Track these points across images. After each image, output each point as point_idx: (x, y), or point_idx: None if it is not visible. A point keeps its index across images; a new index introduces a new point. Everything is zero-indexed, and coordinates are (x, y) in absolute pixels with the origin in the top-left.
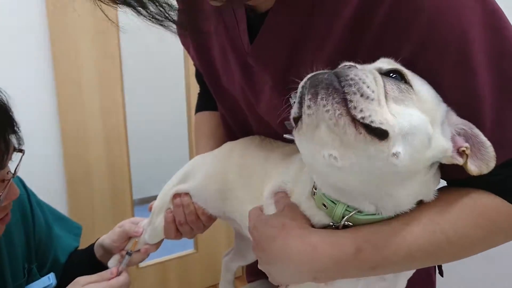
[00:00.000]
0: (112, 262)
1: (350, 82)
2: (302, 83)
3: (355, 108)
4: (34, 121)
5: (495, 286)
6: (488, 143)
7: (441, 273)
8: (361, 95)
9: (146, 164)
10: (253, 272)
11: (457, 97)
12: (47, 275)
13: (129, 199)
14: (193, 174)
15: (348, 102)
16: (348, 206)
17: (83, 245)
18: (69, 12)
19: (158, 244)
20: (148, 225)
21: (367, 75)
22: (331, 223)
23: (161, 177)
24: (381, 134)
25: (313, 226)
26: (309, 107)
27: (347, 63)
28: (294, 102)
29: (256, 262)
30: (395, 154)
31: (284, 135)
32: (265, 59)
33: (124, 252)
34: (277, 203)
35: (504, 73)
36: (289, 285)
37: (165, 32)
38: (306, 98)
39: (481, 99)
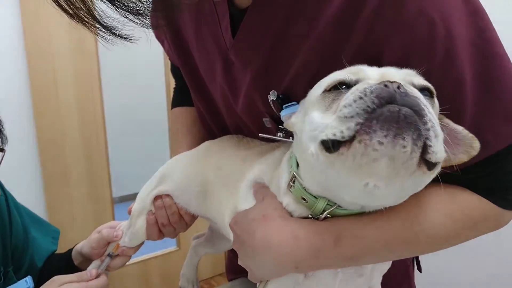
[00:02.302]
0: (92, 267)
1: (429, 124)
2: (361, 103)
3: (433, 152)
4: (8, 120)
5: (473, 281)
6: (459, 128)
7: (419, 269)
8: (435, 136)
9: (126, 161)
10: (234, 270)
11: (440, 96)
12: (24, 279)
13: (108, 197)
14: (171, 176)
15: (428, 147)
16: (329, 200)
17: (62, 246)
18: (43, 7)
19: (137, 247)
20: (128, 228)
21: (430, 107)
22: (310, 216)
23: (141, 175)
24: (434, 165)
25: (291, 215)
26: (381, 143)
27: (382, 78)
28: (273, 100)
29: (237, 259)
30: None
31: (260, 134)
32: (246, 55)
33: (103, 257)
34: (256, 193)
35: (485, 73)
36: (269, 281)
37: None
38: (378, 132)
39: (463, 98)
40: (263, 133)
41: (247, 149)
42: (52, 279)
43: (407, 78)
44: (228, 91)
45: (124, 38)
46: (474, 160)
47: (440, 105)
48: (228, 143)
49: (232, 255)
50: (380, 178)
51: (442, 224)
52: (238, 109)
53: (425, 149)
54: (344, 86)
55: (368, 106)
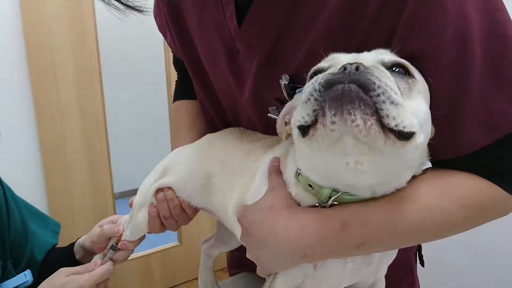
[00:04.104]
0: (95, 259)
1: (378, 90)
2: (312, 87)
3: (387, 116)
4: (9, 115)
5: (476, 275)
6: None
7: (422, 263)
8: (391, 102)
9: (127, 157)
10: (235, 265)
11: (449, 77)
12: (23, 272)
13: (109, 193)
14: (173, 168)
15: (379, 111)
16: (334, 188)
17: (63, 241)
18: (43, 2)
19: (138, 241)
20: (129, 221)
21: (389, 78)
22: (317, 204)
23: (143, 170)
24: (409, 135)
25: (299, 205)
26: (333, 122)
27: (351, 61)
28: (285, 84)
29: (238, 255)
30: (418, 144)
31: (269, 115)
32: (254, 41)
33: (106, 251)
34: (270, 175)
35: (494, 56)
36: (278, 274)
37: (144, 19)
38: (327, 113)
39: (470, 79)
40: (267, 126)
41: (251, 142)
42: (58, 270)
43: (378, 57)
44: (233, 82)
45: (137, 10)
46: (483, 143)
47: (448, 84)
48: (231, 136)
49: (233, 250)
50: (354, 154)
51: (450, 211)
52: (243, 100)
53: (380, 116)
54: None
55: (315, 90)
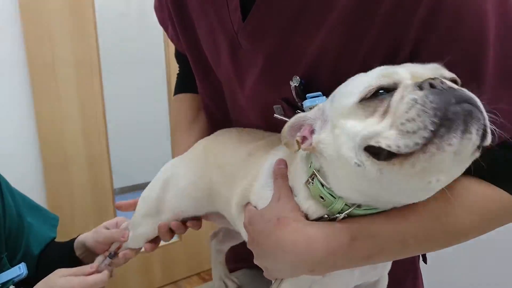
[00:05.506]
0: (95, 262)
1: (483, 113)
2: (421, 111)
3: (488, 136)
4: (7, 109)
5: (480, 273)
6: None
7: (424, 260)
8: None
9: (126, 153)
10: (234, 259)
11: (463, 73)
12: (18, 265)
13: (109, 188)
14: (175, 181)
15: (486, 133)
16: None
17: (62, 236)
18: None
19: (138, 250)
20: (130, 230)
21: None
22: (326, 215)
23: (142, 166)
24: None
25: (307, 217)
26: (450, 144)
27: (414, 75)
28: (295, 85)
29: (237, 249)
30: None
31: (275, 115)
32: (259, 37)
33: (107, 253)
34: (275, 180)
35: (506, 56)
36: (284, 279)
37: (144, 15)
38: (445, 136)
39: (482, 81)
40: (269, 124)
41: (251, 142)
42: (56, 270)
43: (437, 73)
44: (235, 78)
45: None
46: (488, 147)
47: (462, 81)
48: (228, 138)
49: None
50: (444, 173)
51: (460, 218)
52: (244, 96)
53: (483, 136)
54: (381, 91)
55: (434, 121)
